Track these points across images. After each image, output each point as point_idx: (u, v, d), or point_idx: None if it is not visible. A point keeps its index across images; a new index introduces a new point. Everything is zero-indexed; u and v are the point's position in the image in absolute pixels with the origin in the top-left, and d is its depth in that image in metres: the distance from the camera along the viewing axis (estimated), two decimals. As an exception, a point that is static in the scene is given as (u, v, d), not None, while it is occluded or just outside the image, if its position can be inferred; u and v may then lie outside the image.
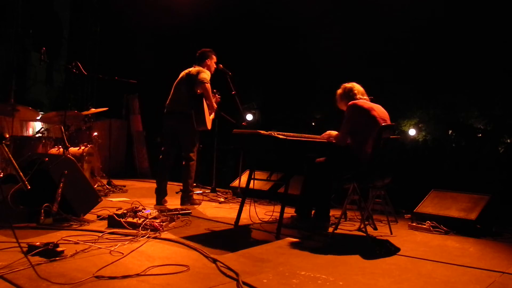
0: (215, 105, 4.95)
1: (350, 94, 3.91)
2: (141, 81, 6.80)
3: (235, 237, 3.56)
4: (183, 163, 4.82)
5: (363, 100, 3.85)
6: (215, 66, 4.99)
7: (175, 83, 4.92)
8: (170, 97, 4.90)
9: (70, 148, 5.20)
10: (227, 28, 8.06)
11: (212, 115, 5.03)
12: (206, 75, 4.68)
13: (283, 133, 3.60)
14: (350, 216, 4.50)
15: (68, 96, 9.24)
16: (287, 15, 7.62)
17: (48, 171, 3.56)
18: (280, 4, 7.58)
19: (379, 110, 3.78)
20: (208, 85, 4.64)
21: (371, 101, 3.92)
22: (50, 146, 5.49)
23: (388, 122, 3.77)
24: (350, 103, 3.78)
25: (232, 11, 8.00)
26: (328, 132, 3.96)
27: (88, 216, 3.73)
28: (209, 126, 4.80)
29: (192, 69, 4.83)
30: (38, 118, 5.99)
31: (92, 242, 2.90)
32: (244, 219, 3.99)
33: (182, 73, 4.90)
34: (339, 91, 4.02)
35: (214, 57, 4.98)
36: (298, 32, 7.61)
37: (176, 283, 2.26)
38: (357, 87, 3.95)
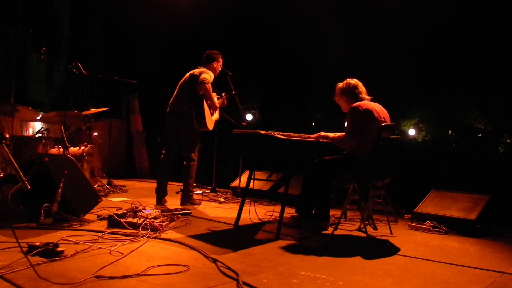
0: (217, 105, 4.94)
1: (355, 92, 3.81)
2: (141, 81, 6.80)
3: (235, 237, 3.56)
4: (184, 163, 4.82)
5: (367, 102, 3.79)
6: (220, 69, 4.97)
7: (179, 83, 4.90)
8: (173, 96, 4.88)
9: (70, 148, 5.19)
10: (227, 28, 8.07)
11: (216, 116, 5.01)
12: (207, 75, 4.64)
13: (283, 133, 3.59)
14: (350, 216, 4.50)
15: (68, 96, 9.24)
16: (287, 15, 7.63)
17: (48, 171, 3.55)
18: (280, 4, 7.59)
19: (381, 112, 3.75)
20: (209, 86, 4.60)
21: (371, 101, 3.90)
22: (50, 146, 5.48)
23: (388, 122, 3.75)
24: (357, 104, 3.69)
25: (233, 11, 8.01)
26: (320, 133, 3.91)
27: (88, 216, 3.73)
28: (210, 127, 4.78)
29: (196, 70, 4.81)
30: (38, 118, 5.98)
31: (92, 242, 2.90)
32: (244, 219, 3.99)
33: (187, 74, 4.89)
34: (342, 85, 3.88)
35: (221, 60, 4.95)
36: (298, 32, 7.62)
37: (176, 283, 2.26)
38: (361, 85, 3.85)
